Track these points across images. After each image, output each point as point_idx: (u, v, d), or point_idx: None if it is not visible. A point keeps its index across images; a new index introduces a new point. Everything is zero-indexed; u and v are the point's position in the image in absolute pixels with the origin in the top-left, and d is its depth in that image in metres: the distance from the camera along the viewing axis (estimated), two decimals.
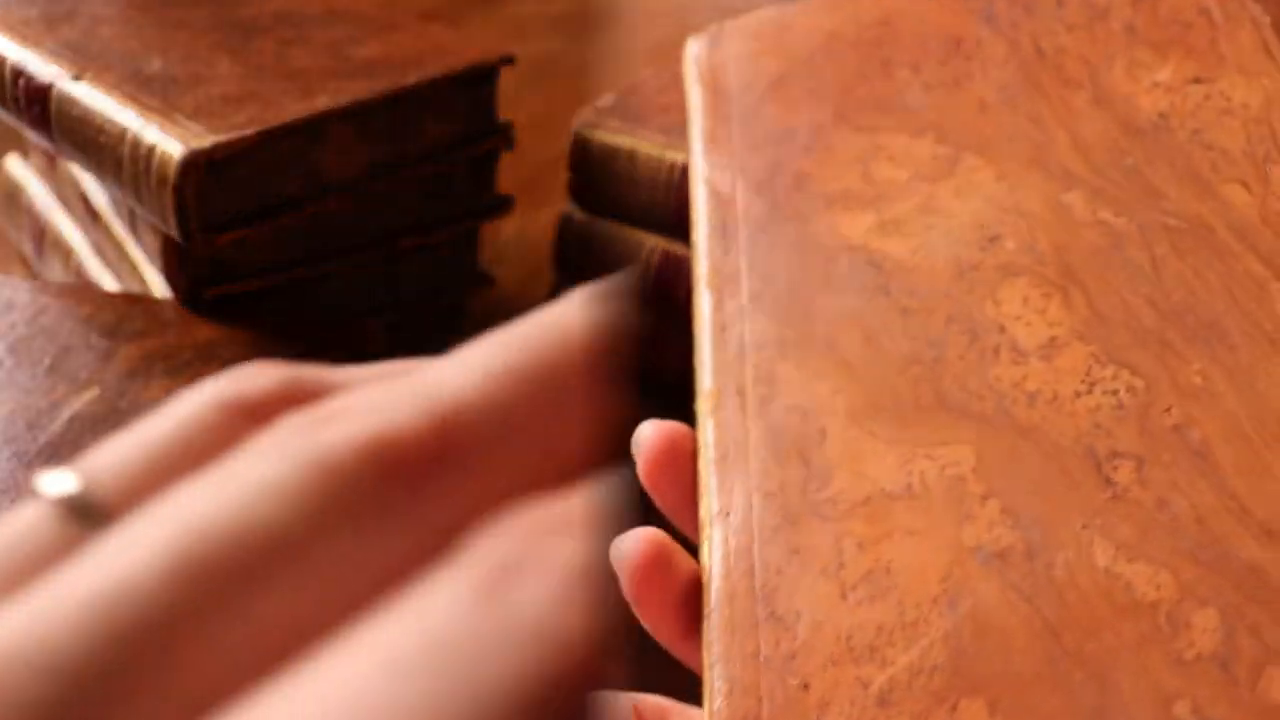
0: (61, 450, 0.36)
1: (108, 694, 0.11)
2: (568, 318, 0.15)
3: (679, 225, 0.43)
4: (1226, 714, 0.19)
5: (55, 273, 0.55)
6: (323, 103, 0.42)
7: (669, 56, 0.43)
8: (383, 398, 0.14)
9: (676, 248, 0.44)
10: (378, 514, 0.13)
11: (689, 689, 0.25)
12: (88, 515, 0.13)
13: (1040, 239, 0.27)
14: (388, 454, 0.13)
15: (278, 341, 0.41)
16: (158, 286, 0.45)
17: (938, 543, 0.23)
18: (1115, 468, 0.23)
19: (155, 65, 0.44)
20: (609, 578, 0.19)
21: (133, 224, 0.47)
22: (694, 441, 0.27)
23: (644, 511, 0.28)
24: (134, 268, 0.47)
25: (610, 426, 0.15)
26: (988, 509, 0.23)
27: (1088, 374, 0.24)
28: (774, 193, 0.30)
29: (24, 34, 0.46)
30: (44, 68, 0.44)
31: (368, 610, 0.12)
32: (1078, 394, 0.24)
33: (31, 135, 0.46)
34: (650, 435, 0.27)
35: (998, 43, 0.31)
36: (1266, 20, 0.28)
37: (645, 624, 0.25)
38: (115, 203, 0.49)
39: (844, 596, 0.23)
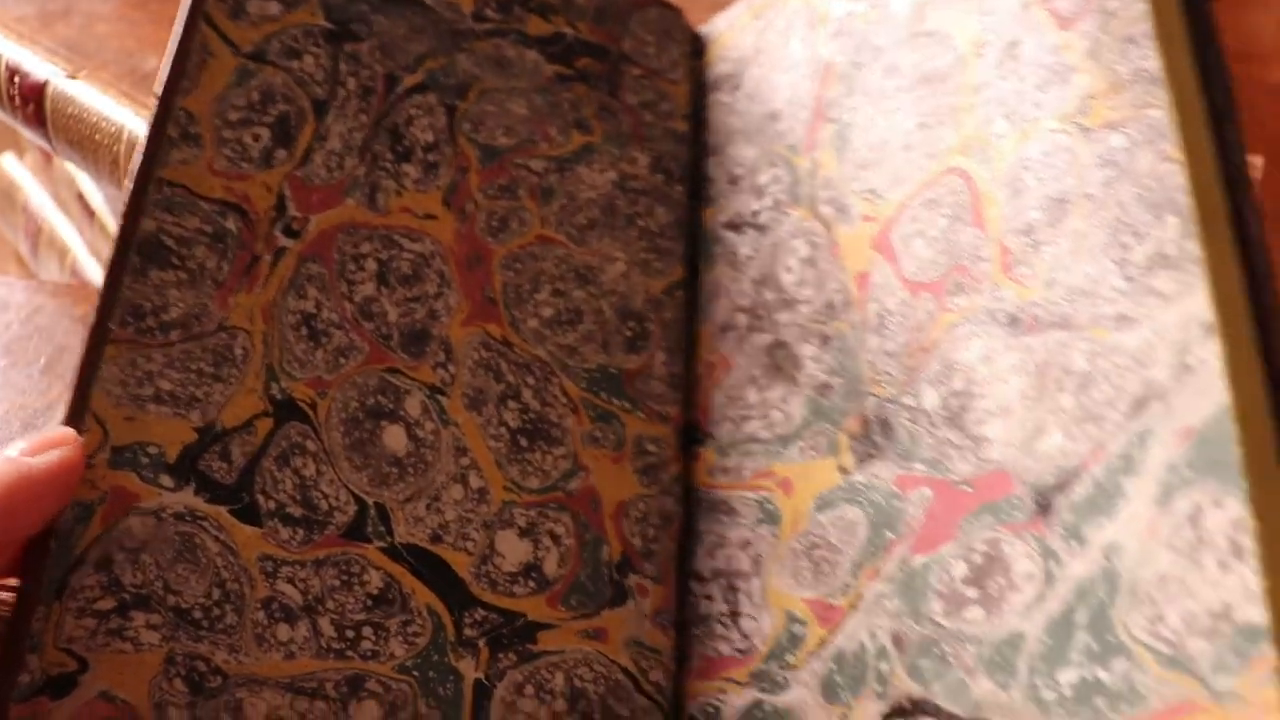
0: None
1: None
2: None
3: None
4: None
5: (51, 272, 0.54)
6: None
7: None
8: None
9: None
10: None
11: None
12: None
13: None
14: None
15: None
16: None
17: None
18: None
19: (151, 63, 0.44)
20: None
21: None
22: None
23: None
24: None
25: None
26: None
27: None
28: None
29: (19, 32, 0.46)
30: (39, 65, 0.43)
31: None
32: None
33: (27, 133, 0.45)
34: None
35: None
36: None
37: None
38: (111, 201, 0.49)
39: None
